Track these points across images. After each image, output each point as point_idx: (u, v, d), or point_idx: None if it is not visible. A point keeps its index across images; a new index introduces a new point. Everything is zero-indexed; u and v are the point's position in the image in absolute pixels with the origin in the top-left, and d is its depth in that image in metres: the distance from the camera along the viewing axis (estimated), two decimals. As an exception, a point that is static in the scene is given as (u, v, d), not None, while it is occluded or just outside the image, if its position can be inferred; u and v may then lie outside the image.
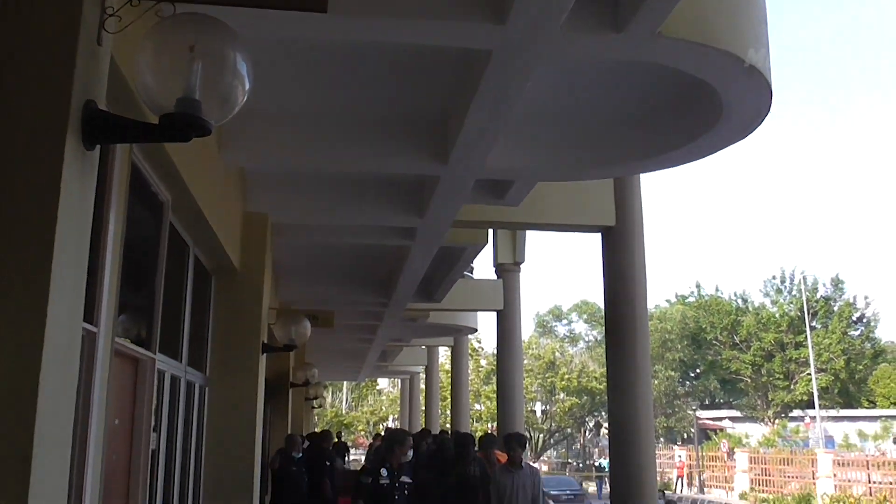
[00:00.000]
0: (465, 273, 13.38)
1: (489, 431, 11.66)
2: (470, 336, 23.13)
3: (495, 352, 15.52)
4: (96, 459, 4.04)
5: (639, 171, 7.72)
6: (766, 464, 30.66)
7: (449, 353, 23.41)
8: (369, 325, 14.36)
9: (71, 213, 2.60)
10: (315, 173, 7.86)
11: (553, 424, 44.31)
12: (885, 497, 24.09)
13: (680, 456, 37.10)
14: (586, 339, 60.52)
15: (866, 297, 55.18)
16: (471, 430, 13.31)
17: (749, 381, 48.30)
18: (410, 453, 7.71)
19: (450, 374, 22.44)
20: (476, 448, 9.35)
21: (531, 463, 9.35)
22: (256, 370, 7.73)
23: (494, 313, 14.43)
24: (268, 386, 11.30)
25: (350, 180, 7.90)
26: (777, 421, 44.31)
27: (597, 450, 45.93)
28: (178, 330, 6.60)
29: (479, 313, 17.13)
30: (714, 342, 50.51)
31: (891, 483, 25.03)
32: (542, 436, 43.65)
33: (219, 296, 7.80)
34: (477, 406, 42.63)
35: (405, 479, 7.37)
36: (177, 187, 5.40)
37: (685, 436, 47.51)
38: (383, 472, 7.21)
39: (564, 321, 64.45)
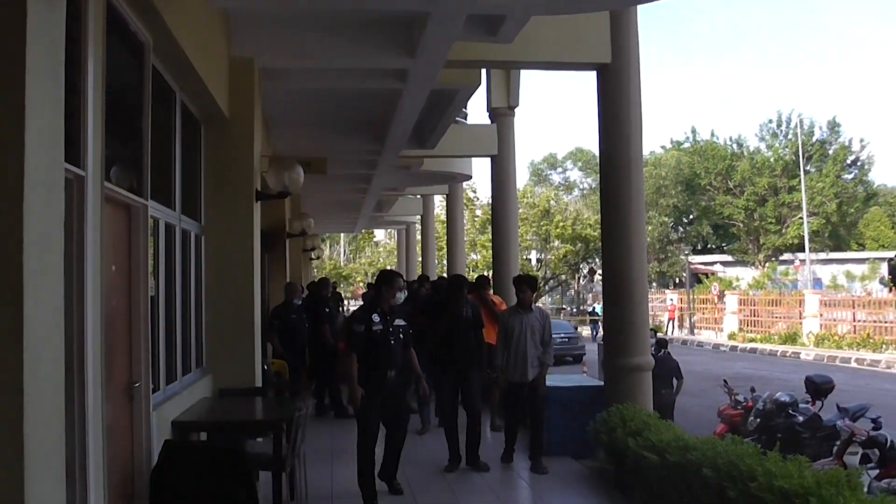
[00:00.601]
0: (459, 119, 13.17)
1: (483, 273, 11.48)
2: (465, 186, 23.12)
3: (490, 201, 15.51)
4: (95, 304, 4.07)
5: (634, 3, 7.42)
6: (755, 305, 31.45)
7: (444, 202, 23.49)
8: (363, 174, 14.28)
9: (41, 41, 2.48)
10: (301, 14, 7.56)
11: (548, 272, 44.99)
12: (868, 334, 24.88)
13: (671, 299, 38.04)
14: (581, 186, 60.76)
15: (862, 140, 55.05)
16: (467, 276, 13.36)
17: (741, 225, 48.83)
18: (401, 295, 7.35)
19: (445, 224, 22.58)
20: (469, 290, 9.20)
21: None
22: (251, 218, 7.72)
23: (489, 160, 14.33)
24: (264, 236, 11.34)
25: (338, 20, 7.61)
26: (767, 264, 45.10)
27: (591, 295, 46.97)
28: (169, 178, 6.53)
29: (474, 163, 17.01)
30: (708, 188, 50.70)
31: (875, 321, 25.78)
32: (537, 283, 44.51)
33: (209, 144, 7.70)
34: (473, 255, 43.20)
35: (399, 322, 7.01)
36: (157, 28, 5.20)
37: (677, 280, 48.51)
38: (375, 318, 6.82)
39: (559, 169, 64.47)
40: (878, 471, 7.99)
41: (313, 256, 22.65)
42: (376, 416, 6.91)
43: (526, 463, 8.33)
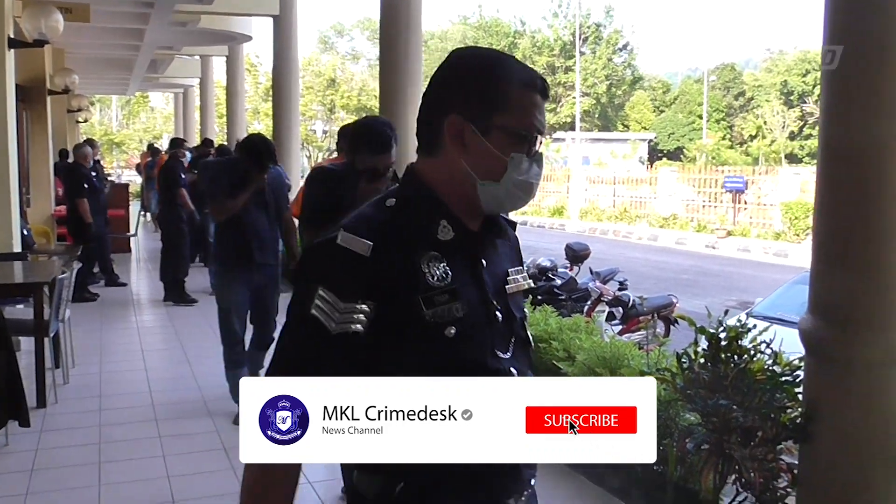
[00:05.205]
0: (239, -25, 12.52)
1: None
2: (247, 52, 22.14)
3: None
4: None
5: None
6: (528, 180, 33.19)
7: (224, 66, 22.42)
8: (135, 29, 13.28)
9: None
10: None
11: (333, 143, 44.70)
12: (625, 209, 27.17)
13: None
14: (368, 57, 59.90)
15: (633, 26, 58.72)
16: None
17: (520, 103, 50.56)
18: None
19: (226, 90, 21.63)
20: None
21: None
22: (3, 68, 7.07)
23: (272, 24, 13.81)
24: (22, 91, 10.40)
25: None
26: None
27: (375, 167, 47.26)
28: None
29: (256, 26, 16.32)
30: (491, 64, 51.72)
31: (632, 196, 28.15)
32: (322, 154, 44.11)
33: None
34: (256, 125, 41.89)
35: None
36: None
37: (458, 155, 49.75)
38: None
39: (347, 37, 63.10)
40: (621, 326, 8.99)
41: (80, 119, 20.99)
42: None
43: None
